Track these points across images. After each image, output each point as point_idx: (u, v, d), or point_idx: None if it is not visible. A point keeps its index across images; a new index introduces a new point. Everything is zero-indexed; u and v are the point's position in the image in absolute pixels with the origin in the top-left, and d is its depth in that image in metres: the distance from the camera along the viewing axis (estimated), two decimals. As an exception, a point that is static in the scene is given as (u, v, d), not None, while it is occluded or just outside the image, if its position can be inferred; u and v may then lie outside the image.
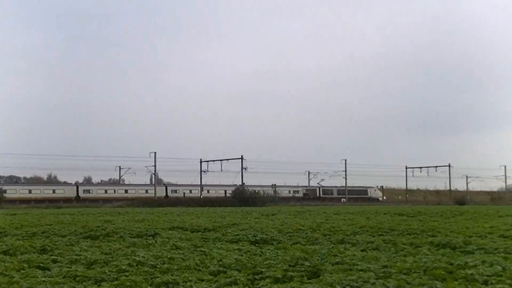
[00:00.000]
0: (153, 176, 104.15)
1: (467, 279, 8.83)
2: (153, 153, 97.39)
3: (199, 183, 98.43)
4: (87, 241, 16.27)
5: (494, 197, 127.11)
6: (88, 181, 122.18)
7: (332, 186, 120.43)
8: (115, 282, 8.87)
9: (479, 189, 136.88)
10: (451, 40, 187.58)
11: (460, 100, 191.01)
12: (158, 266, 10.45)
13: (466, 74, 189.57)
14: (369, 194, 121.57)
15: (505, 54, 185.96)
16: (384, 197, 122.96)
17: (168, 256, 11.78)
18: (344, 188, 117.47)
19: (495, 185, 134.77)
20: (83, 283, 9.07)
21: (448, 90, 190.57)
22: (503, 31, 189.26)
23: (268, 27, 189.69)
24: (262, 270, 9.88)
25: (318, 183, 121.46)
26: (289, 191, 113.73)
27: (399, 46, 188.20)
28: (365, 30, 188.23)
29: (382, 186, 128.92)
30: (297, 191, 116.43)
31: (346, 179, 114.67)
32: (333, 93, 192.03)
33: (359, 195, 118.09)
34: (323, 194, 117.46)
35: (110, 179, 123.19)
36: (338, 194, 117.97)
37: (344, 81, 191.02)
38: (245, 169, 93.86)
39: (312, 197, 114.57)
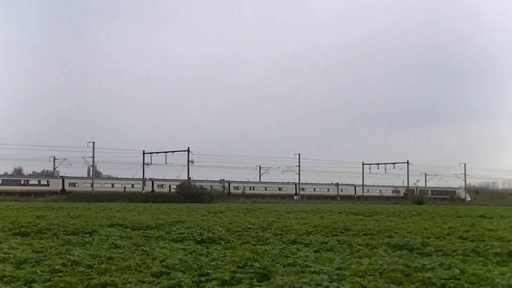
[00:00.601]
0: (91, 168, 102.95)
1: (424, 282, 9.02)
2: (92, 143, 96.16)
3: (142, 177, 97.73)
4: (16, 238, 15.96)
5: (453, 197, 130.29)
6: (18, 172, 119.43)
7: (427, 187, 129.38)
8: (48, 283, 8.71)
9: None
10: (411, 30, 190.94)
11: (420, 95, 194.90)
12: (95, 266, 10.31)
13: (429, 67, 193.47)
14: (457, 195, 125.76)
15: (470, 48, 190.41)
16: (469, 198, 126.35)
17: (107, 256, 11.64)
18: (438, 189, 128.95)
19: (455, 184, 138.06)
20: (12, 284, 8.88)
21: (408, 84, 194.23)
22: (473, 19, 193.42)
23: (223, 10, 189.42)
24: (209, 271, 9.87)
25: (414, 184, 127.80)
26: (392, 191, 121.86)
27: (359, 36, 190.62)
28: (325, 17, 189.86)
29: (338, 183, 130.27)
30: (398, 191, 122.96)
31: (299, 174, 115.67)
32: (287, 84, 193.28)
33: (447, 196, 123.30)
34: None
35: (44, 170, 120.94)
36: (432, 194, 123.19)
37: (299, 73, 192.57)
38: (192, 162, 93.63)
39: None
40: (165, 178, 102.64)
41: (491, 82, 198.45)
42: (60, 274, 9.51)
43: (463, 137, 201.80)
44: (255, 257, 11.53)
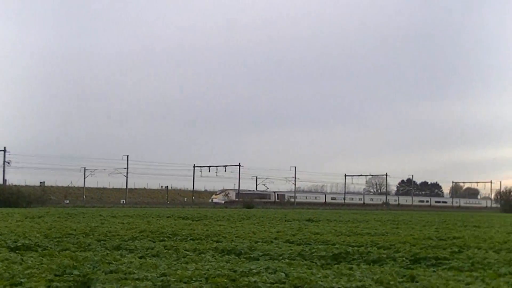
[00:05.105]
0: None
1: (250, 286, 9.29)
2: None
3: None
4: None
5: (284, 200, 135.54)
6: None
7: None
8: None
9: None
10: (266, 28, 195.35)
11: (255, 97, 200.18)
12: None
13: (269, 70, 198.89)
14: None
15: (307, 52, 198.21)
16: None
17: None
18: None
19: (285, 187, 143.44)
20: None
21: (243, 87, 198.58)
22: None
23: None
24: (22, 280, 9.48)
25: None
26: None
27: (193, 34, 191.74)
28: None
29: (167, 186, 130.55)
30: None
31: (127, 177, 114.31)
32: (112, 80, 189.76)
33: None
34: None
35: None
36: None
37: (123, 68, 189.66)
38: (8, 163, 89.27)
39: None
40: None
41: (320, 87, 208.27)
42: None
43: (294, 141, 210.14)
44: (75, 264, 11.24)
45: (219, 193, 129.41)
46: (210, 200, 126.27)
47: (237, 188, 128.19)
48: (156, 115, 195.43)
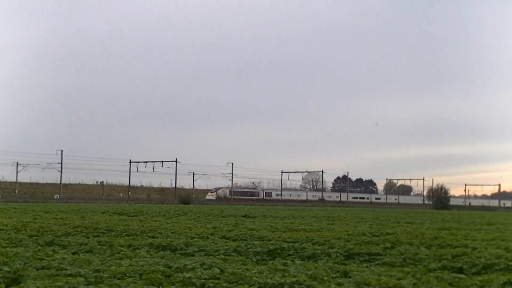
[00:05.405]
0: None
1: (184, 282, 9.24)
2: None
3: None
4: None
5: (220, 196, 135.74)
6: None
7: None
8: None
9: (205, 187, 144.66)
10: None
11: (192, 93, 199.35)
12: None
13: (205, 70, 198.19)
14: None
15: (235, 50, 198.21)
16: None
17: None
18: None
19: (222, 183, 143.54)
20: None
21: (178, 83, 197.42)
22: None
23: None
24: (-51, 277, 9.21)
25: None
26: None
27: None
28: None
29: (102, 182, 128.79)
30: None
31: (61, 172, 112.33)
32: (44, 74, 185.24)
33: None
34: None
35: None
36: None
37: (55, 61, 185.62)
38: None
39: None
40: None
41: (254, 83, 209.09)
42: None
43: (231, 136, 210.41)
44: (5, 260, 10.97)
45: (214, 191, 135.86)
46: (206, 197, 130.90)
47: (231, 186, 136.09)
48: (91, 110, 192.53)
